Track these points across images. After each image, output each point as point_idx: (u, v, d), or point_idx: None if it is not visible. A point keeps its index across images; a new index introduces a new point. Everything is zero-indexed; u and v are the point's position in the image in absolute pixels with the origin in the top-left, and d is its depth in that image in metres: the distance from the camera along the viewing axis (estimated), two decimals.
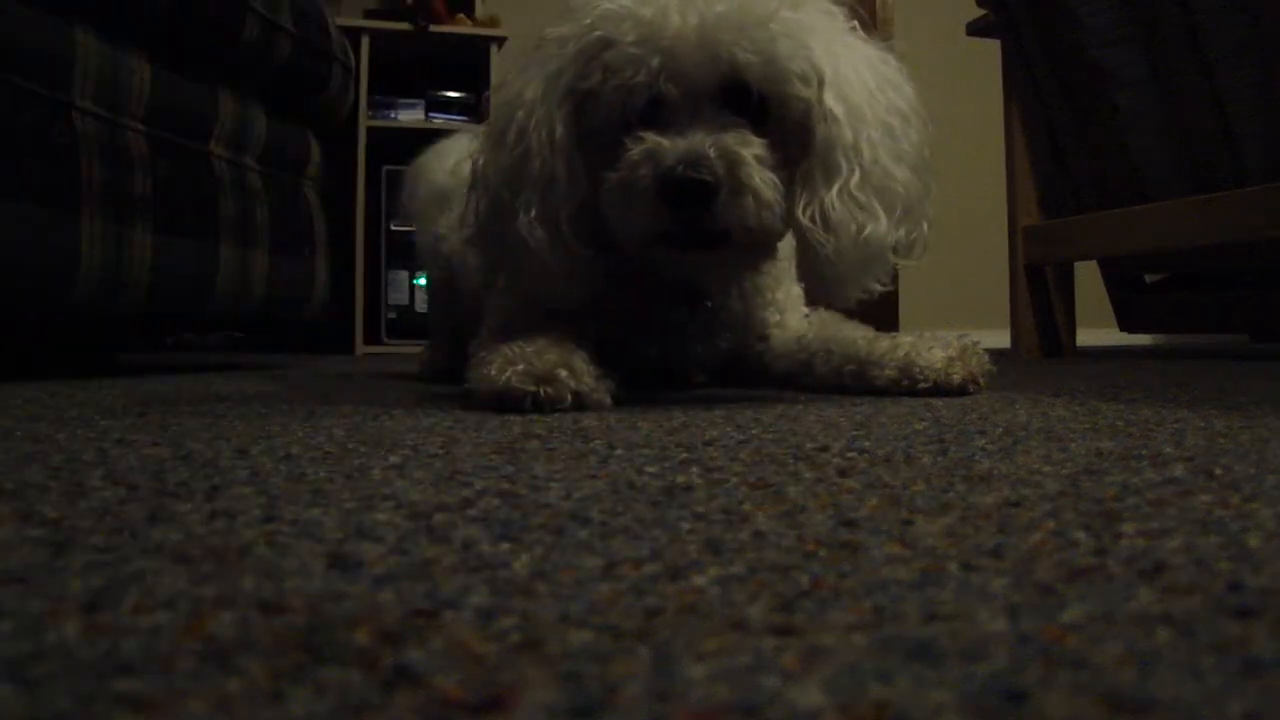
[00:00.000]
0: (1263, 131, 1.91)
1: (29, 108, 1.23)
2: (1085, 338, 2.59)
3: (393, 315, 3.66)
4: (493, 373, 0.88)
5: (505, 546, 0.36)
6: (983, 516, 0.41)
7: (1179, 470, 0.53)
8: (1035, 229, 2.44)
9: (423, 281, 3.63)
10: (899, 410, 0.87)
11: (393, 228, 3.61)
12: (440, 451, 0.62)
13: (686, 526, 0.39)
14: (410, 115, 3.67)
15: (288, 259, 1.82)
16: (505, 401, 0.86)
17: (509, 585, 0.30)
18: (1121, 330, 2.70)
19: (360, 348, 3.58)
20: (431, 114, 3.70)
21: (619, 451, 0.61)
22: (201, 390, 1.23)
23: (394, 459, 0.59)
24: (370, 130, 3.52)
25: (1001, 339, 2.75)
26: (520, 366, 0.88)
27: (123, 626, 0.27)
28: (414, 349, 3.49)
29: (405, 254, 3.52)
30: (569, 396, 0.87)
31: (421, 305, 3.61)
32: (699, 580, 0.31)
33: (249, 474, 0.53)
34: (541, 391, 0.86)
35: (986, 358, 1.08)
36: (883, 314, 4.23)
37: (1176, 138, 2.08)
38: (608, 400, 0.91)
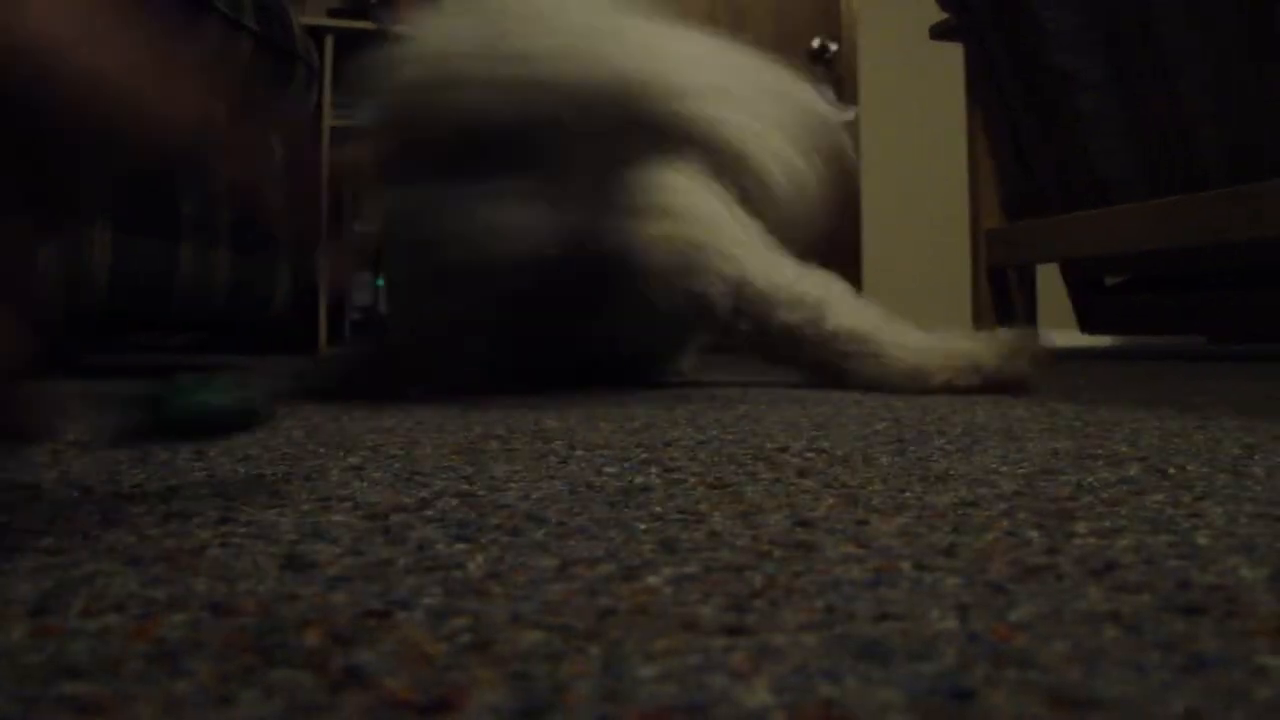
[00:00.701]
0: (1220, 134, 1.93)
1: None
2: (1046, 339, 2.61)
3: (356, 316, 3.65)
4: None
5: (461, 547, 0.36)
6: (938, 516, 0.41)
7: (1133, 470, 0.53)
8: (997, 232, 2.46)
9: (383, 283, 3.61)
10: (860, 411, 0.88)
11: (357, 229, 3.57)
12: (400, 452, 0.62)
13: (643, 527, 0.39)
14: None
15: (251, 259, 1.81)
16: None
17: (462, 586, 0.30)
18: (1082, 332, 2.73)
19: (325, 348, 3.55)
20: None
21: (579, 452, 0.61)
22: None
23: (353, 460, 0.58)
24: (334, 130, 3.50)
25: None
26: None
27: (71, 629, 0.27)
28: None
29: (369, 255, 3.50)
30: None
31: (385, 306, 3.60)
32: (653, 580, 0.31)
33: (206, 475, 0.53)
34: None
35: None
36: None
37: (1137, 141, 2.10)
38: None
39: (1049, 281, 2.68)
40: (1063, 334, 3.18)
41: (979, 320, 2.52)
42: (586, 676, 0.22)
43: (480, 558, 0.34)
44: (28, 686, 0.23)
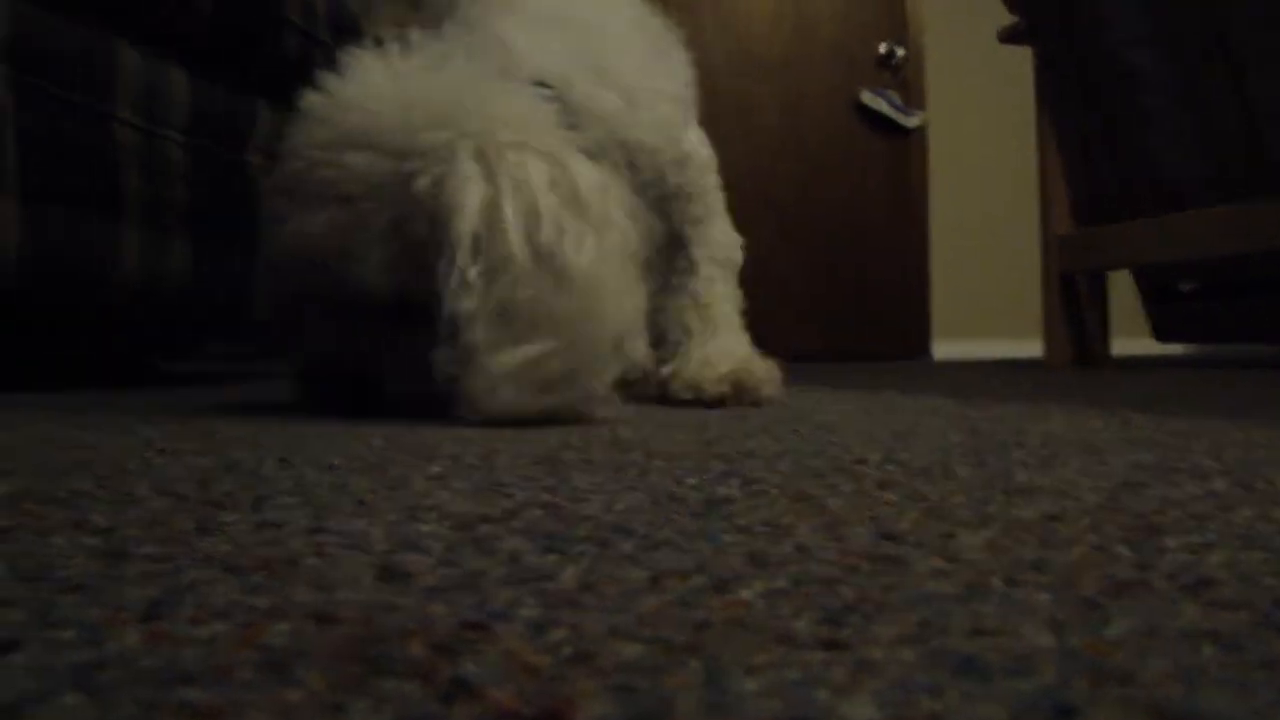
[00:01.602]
0: None
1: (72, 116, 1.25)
2: (1119, 347, 2.58)
3: None
4: None
5: (551, 558, 0.36)
6: (1023, 530, 0.41)
7: (1219, 483, 0.53)
8: (1067, 238, 2.44)
9: None
10: (935, 422, 0.87)
11: None
12: (479, 462, 0.62)
13: (729, 539, 0.39)
14: None
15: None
16: None
17: (557, 598, 0.31)
18: (1156, 339, 2.69)
19: None
20: None
21: (657, 463, 0.62)
22: (240, 399, 1.24)
23: (435, 469, 0.59)
24: None
25: (1034, 348, 2.73)
26: None
27: (180, 636, 0.28)
28: None
29: None
30: None
31: None
32: (744, 593, 0.31)
33: (293, 484, 0.54)
34: None
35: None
36: (913, 322, 4.22)
37: (1206, 144, 2.07)
38: None
39: (1123, 288, 2.64)
40: (1135, 342, 3.13)
41: (1050, 326, 2.49)
42: (690, 689, 0.23)
43: (571, 569, 0.34)
44: (146, 692, 0.23)
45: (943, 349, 4.35)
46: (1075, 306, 2.46)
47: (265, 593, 0.32)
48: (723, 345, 1.13)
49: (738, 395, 1.07)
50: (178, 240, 1.42)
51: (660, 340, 1.15)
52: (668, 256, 1.17)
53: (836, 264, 4.08)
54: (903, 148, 4.17)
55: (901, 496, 0.49)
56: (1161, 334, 2.67)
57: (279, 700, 0.23)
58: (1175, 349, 3.79)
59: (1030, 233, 2.63)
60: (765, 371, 1.11)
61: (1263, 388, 1.36)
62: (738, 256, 1.23)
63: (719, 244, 1.21)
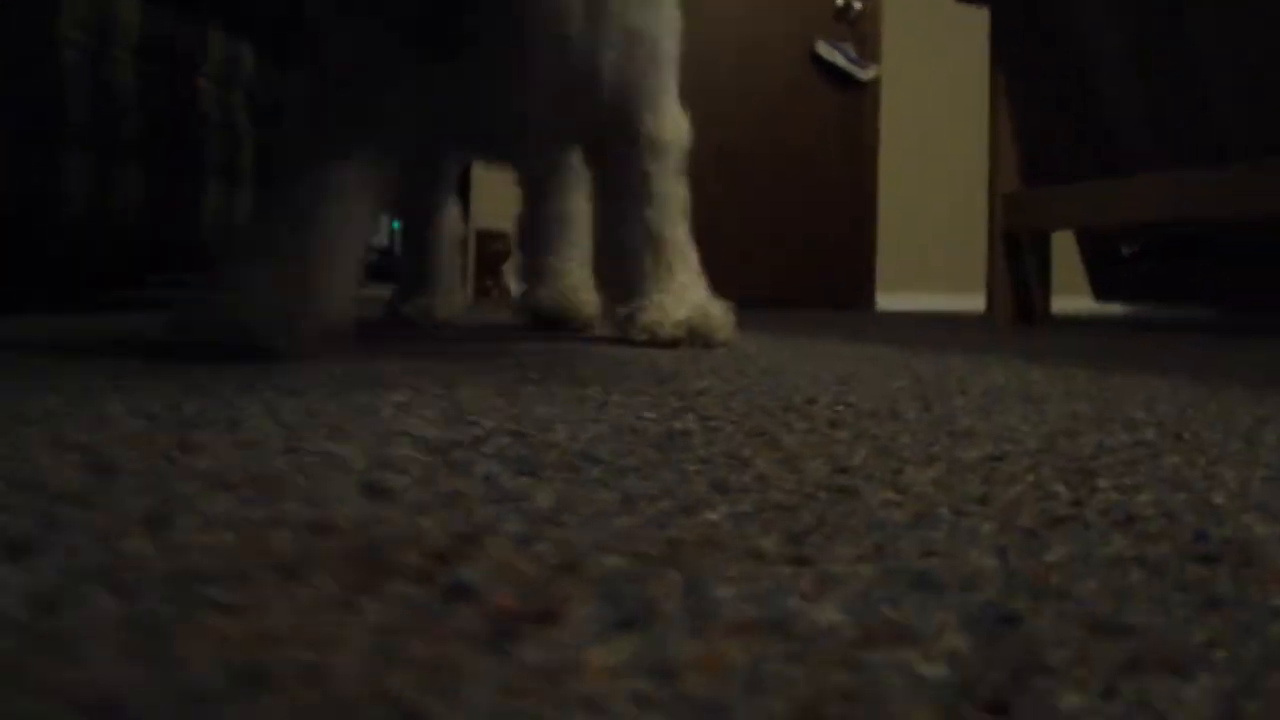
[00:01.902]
0: (1241, 110, 1.94)
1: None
2: (1059, 304, 2.63)
3: (372, 258, 3.68)
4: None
5: (525, 481, 0.38)
6: (968, 469, 0.43)
7: (1150, 433, 0.56)
8: (1014, 197, 2.47)
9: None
10: (879, 370, 0.90)
11: None
12: (443, 392, 0.64)
13: (692, 468, 0.41)
14: None
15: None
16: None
17: (537, 516, 0.33)
18: (1096, 299, 2.75)
19: None
20: None
21: (615, 397, 0.64)
22: None
23: (398, 398, 0.61)
24: None
25: (977, 302, 2.78)
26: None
27: (188, 544, 0.29)
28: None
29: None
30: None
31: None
32: (712, 516, 0.33)
33: (263, 409, 0.55)
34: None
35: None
36: (859, 273, 4.27)
37: (1155, 110, 2.11)
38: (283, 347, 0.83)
39: (1064, 247, 2.69)
40: (1075, 300, 3.19)
41: (994, 282, 2.54)
42: (671, 595, 0.25)
43: (546, 491, 0.36)
44: (171, 590, 0.25)
45: (886, 300, 4.41)
46: (1019, 264, 2.51)
47: (259, 506, 0.34)
48: (680, 288, 1.14)
49: (692, 339, 1.09)
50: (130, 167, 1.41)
51: (616, 276, 1.15)
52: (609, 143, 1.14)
53: (786, 213, 4.11)
54: (856, 100, 4.19)
55: (852, 435, 0.52)
56: (1101, 293, 2.73)
57: (296, 600, 0.25)
58: (1113, 309, 3.87)
59: (978, 190, 2.67)
60: (720, 316, 1.12)
61: (1196, 348, 1.41)
62: (685, 141, 1.18)
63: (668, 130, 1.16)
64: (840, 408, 0.62)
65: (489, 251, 3.28)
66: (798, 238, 4.17)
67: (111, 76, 1.37)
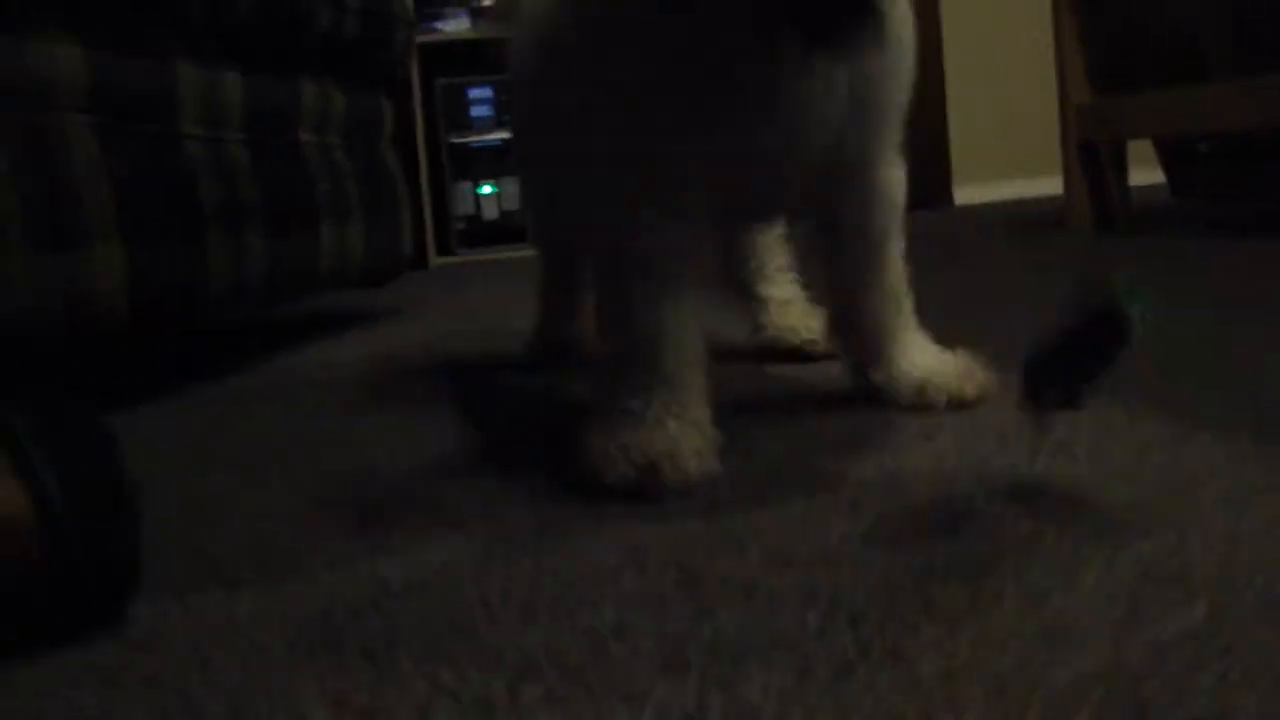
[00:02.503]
0: None
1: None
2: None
3: (461, 225, 3.79)
4: (594, 442, 0.79)
5: None
6: None
7: None
8: (1088, 107, 2.48)
9: (487, 190, 3.76)
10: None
11: (453, 140, 3.73)
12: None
13: None
14: (456, 25, 3.74)
15: (379, 224, 1.95)
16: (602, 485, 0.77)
17: None
18: (1172, 195, 2.76)
19: (433, 259, 3.72)
20: (476, 20, 3.77)
21: None
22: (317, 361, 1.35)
23: None
24: (420, 46, 3.59)
25: (1055, 186, 2.80)
26: (622, 441, 0.78)
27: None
28: (483, 258, 3.62)
29: (466, 165, 3.69)
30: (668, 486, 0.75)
31: (490, 212, 3.76)
32: None
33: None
34: (643, 481, 0.75)
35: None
36: (933, 163, 4.29)
37: (1228, 11, 2.10)
38: (716, 468, 0.78)
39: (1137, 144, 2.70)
40: (1148, 190, 3.19)
41: (1071, 192, 2.56)
42: None
43: None
44: None
45: (963, 194, 4.44)
46: (1095, 170, 2.52)
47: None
48: (921, 346, 1.00)
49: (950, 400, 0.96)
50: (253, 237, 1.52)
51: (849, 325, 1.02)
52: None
53: None
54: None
55: None
56: (1178, 191, 2.73)
57: None
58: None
59: (1049, 90, 2.66)
60: (963, 377, 0.96)
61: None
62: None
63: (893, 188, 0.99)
64: None
65: None
66: None
67: (228, 156, 1.48)
